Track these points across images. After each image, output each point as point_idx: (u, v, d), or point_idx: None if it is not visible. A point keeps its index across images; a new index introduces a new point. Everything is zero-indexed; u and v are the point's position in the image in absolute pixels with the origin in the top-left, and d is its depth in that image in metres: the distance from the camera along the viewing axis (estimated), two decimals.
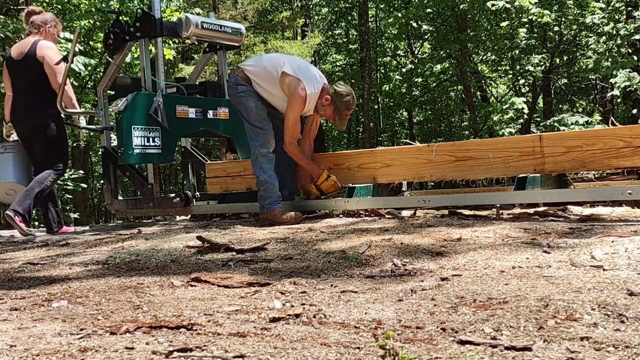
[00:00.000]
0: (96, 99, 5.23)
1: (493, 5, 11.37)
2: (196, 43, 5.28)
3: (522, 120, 12.54)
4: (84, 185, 14.14)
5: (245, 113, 4.06)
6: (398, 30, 15.08)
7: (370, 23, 17.21)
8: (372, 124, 16.56)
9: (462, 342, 1.32)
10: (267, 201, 3.94)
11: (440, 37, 14.98)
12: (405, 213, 4.00)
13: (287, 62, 4.06)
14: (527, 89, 16.12)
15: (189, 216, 5.06)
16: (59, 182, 12.77)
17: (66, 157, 4.81)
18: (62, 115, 4.72)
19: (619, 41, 11.46)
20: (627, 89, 11.03)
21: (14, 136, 4.80)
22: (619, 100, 14.54)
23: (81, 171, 13.80)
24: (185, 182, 5.08)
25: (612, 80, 11.11)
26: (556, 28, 13.20)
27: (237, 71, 4.19)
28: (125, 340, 1.41)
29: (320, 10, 20.08)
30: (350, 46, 19.27)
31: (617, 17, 12.21)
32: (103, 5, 10.72)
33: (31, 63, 4.55)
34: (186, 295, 1.98)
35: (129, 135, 4.41)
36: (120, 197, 5.23)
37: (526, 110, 12.46)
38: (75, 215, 13.69)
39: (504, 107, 12.02)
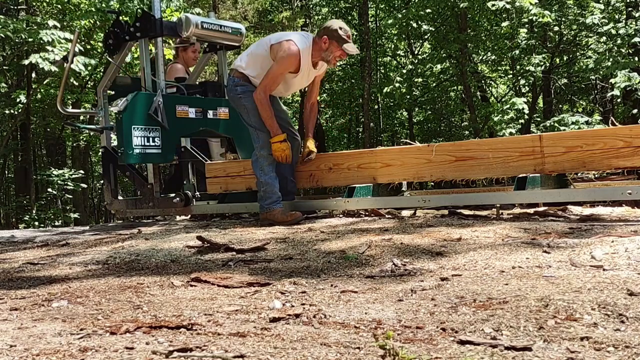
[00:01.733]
0: (96, 98, 5.24)
1: (493, 5, 11.37)
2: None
3: (522, 121, 12.54)
4: (84, 185, 14.14)
5: (245, 114, 4.02)
6: (398, 30, 15.07)
7: (370, 23, 17.21)
8: (372, 124, 16.55)
9: (462, 342, 1.32)
10: (267, 201, 3.91)
11: (440, 37, 14.97)
12: (405, 213, 4.00)
13: (272, 37, 4.02)
14: (527, 89, 16.13)
15: (189, 216, 5.06)
16: (59, 182, 12.85)
17: None
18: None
19: (619, 41, 11.47)
20: (627, 89, 11.03)
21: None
22: (619, 100, 14.54)
23: (81, 171, 13.80)
24: (185, 182, 5.07)
25: (612, 80, 11.12)
26: (556, 28, 13.20)
27: (232, 73, 4.11)
28: (125, 340, 1.41)
29: (320, 10, 20.09)
30: None
31: (617, 17, 12.21)
32: (103, 5, 10.73)
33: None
34: (186, 295, 1.98)
35: (129, 135, 4.40)
36: (120, 197, 5.23)
37: (527, 111, 12.45)
38: (75, 215, 13.69)
39: (505, 108, 12.02)
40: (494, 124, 12.17)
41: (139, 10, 4.94)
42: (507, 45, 13.21)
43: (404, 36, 16.54)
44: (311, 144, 4.18)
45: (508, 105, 11.98)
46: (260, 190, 3.95)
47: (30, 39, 10.26)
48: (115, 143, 4.97)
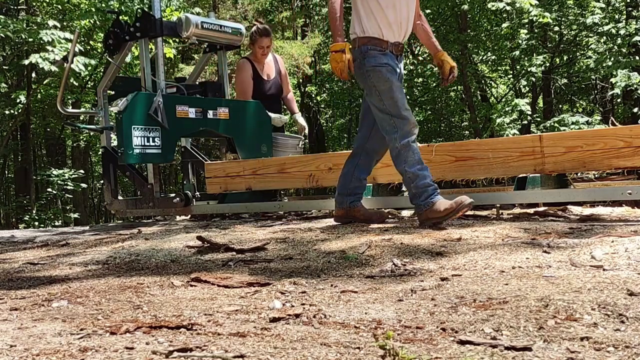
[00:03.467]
0: (96, 98, 5.24)
1: (493, 5, 11.37)
2: (196, 43, 5.27)
3: (525, 122, 12.54)
4: (84, 185, 14.15)
5: (376, 95, 3.28)
6: None
7: None
8: None
9: (462, 342, 1.32)
10: (423, 197, 3.15)
11: (440, 37, 14.97)
12: (405, 213, 4.00)
13: None
14: (527, 89, 16.13)
15: (189, 216, 5.07)
16: (59, 182, 12.85)
17: None
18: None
19: (619, 41, 11.48)
20: (627, 89, 11.04)
21: None
22: (619, 100, 14.55)
23: (81, 171, 13.81)
24: (185, 182, 5.08)
25: (613, 80, 11.13)
26: (556, 28, 13.21)
27: (353, 45, 3.34)
28: (125, 340, 1.41)
29: (320, 10, 20.09)
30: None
31: (617, 17, 12.22)
32: (103, 5, 10.73)
33: None
34: (186, 295, 1.98)
35: (129, 135, 4.41)
36: (120, 197, 5.23)
37: (529, 112, 12.46)
38: (75, 215, 13.69)
39: (507, 109, 12.01)
40: (497, 126, 12.16)
41: (139, 10, 4.95)
42: (507, 46, 13.21)
43: None
44: (448, 59, 3.50)
45: (510, 107, 11.98)
46: (411, 188, 3.22)
47: (30, 39, 10.27)
48: (115, 143, 4.97)
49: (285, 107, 5.65)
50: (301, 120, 5.43)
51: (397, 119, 3.24)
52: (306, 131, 5.42)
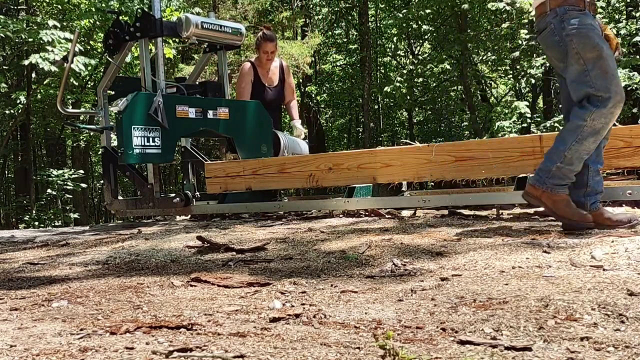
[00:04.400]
0: (96, 99, 5.24)
1: (493, 5, 11.38)
2: (196, 43, 5.27)
3: (525, 124, 12.55)
4: (84, 185, 14.15)
5: (579, 66, 2.70)
6: (398, 30, 15.08)
7: (370, 23, 17.22)
8: (372, 124, 16.57)
9: (462, 342, 1.32)
10: (555, 180, 2.75)
11: (440, 37, 14.98)
12: (405, 213, 4.00)
13: None
14: (528, 89, 16.13)
15: (189, 216, 5.07)
16: (59, 182, 12.85)
17: None
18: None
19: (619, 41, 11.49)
20: (628, 89, 11.04)
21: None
22: None
23: (81, 171, 13.81)
24: (185, 182, 5.08)
25: None
26: None
27: (541, 10, 2.82)
28: (125, 340, 1.41)
29: (320, 10, 20.10)
30: (350, 46, 19.28)
31: (617, 17, 12.23)
32: (103, 5, 10.75)
33: None
34: (186, 295, 1.98)
35: (129, 135, 4.41)
36: (120, 197, 5.23)
37: (529, 115, 12.46)
38: (75, 215, 13.68)
39: (507, 112, 12.02)
40: (496, 130, 12.15)
41: (139, 10, 4.95)
42: (507, 47, 13.21)
43: (404, 36, 16.55)
44: (611, 34, 2.88)
45: (510, 110, 12.00)
46: (554, 165, 2.75)
47: (30, 39, 10.28)
48: (115, 143, 4.97)
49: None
50: (299, 126, 5.40)
51: (604, 93, 2.67)
52: (302, 137, 5.40)
